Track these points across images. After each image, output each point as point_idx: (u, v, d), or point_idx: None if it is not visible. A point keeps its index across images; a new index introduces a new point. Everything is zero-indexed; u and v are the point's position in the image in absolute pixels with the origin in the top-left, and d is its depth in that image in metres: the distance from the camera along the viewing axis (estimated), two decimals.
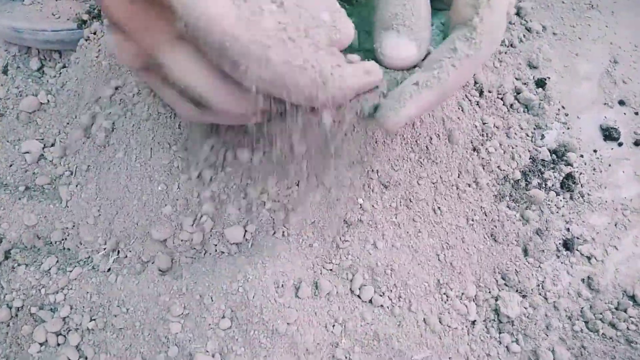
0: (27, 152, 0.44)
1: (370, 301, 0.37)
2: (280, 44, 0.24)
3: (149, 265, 0.37)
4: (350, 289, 0.36)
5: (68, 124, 0.44)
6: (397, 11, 0.29)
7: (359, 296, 0.36)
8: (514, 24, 0.53)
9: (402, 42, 0.29)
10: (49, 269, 0.40)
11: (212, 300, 0.34)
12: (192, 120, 0.30)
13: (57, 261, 0.40)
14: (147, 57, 0.27)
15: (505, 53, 0.50)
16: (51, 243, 0.41)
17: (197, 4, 0.23)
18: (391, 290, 0.37)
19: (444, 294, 0.38)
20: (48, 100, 0.46)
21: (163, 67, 0.27)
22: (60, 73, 0.47)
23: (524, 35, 0.52)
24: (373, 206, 0.38)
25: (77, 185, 0.41)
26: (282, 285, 0.35)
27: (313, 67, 0.25)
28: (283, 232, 0.37)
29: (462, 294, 0.39)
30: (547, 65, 0.51)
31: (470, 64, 0.29)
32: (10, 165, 0.44)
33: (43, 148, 0.44)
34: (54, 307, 0.39)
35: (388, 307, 0.37)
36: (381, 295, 0.37)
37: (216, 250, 0.37)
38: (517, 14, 0.53)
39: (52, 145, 0.44)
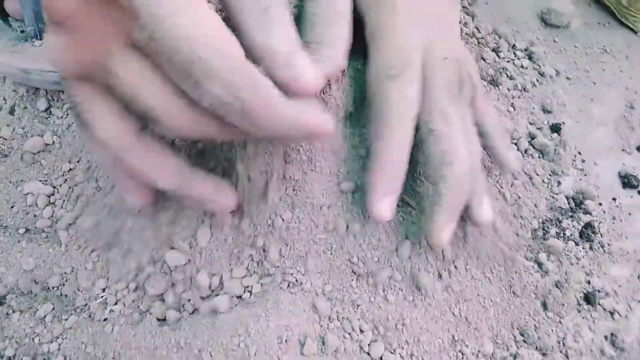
0: (29, 194, 0.43)
1: (381, 358, 0.34)
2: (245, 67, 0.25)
3: (147, 316, 0.36)
4: (360, 345, 0.34)
5: (72, 166, 0.43)
6: (319, 33, 0.32)
7: (368, 353, 0.34)
8: (526, 67, 0.52)
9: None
10: (44, 317, 0.38)
11: (211, 356, 0.32)
12: (107, 145, 0.27)
13: (53, 308, 0.38)
14: (93, 63, 0.25)
15: (519, 97, 0.50)
16: (48, 288, 0.40)
17: (166, 17, 0.23)
18: (403, 347, 0.35)
19: (459, 351, 0.36)
20: (53, 141, 0.45)
21: (112, 75, 0.25)
22: (67, 114, 0.46)
23: (537, 80, 0.52)
24: (384, 256, 0.36)
25: (77, 229, 0.40)
26: (286, 341, 0.33)
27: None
28: (288, 282, 0.35)
29: (479, 351, 0.36)
30: (561, 110, 0.50)
31: None
32: (12, 207, 0.43)
33: (46, 190, 0.43)
34: (47, 357, 0.37)
35: None
36: (392, 352, 0.34)
37: None
38: (530, 58, 0.53)
39: (55, 187, 0.43)
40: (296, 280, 0.35)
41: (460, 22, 0.53)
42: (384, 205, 0.34)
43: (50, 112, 0.48)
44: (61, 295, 0.39)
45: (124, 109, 0.27)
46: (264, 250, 0.36)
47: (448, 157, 0.34)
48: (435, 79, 0.35)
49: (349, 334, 0.34)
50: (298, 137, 0.31)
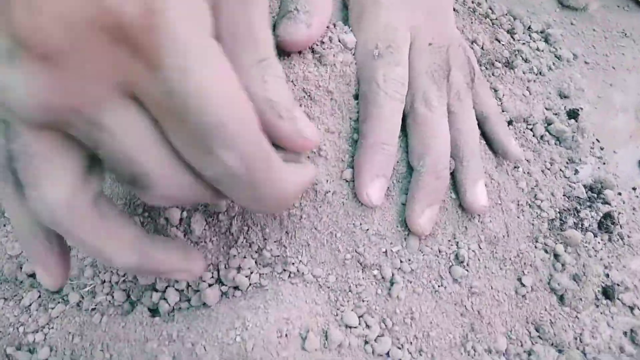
0: None
1: (388, 354, 0.32)
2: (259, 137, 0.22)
3: (138, 305, 0.33)
4: (365, 340, 0.32)
5: None
6: (293, 1, 0.32)
7: (374, 348, 0.32)
8: (542, 50, 0.49)
9: (292, 24, 0.32)
10: (30, 305, 0.36)
11: (205, 350, 0.30)
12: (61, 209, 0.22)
13: (39, 296, 0.36)
14: (76, 111, 0.20)
15: (534, 81, 0.47)
16: (34, 275, 0.37)
17: (194, 72, 0.19)
18: (411, 342, 0.33)
19: (472, 347, 0.34)
20: None
21: (100, 129, 0.20)
22: None
23: (554, 63, 0.49)
24: (392, 248, 0.34)
25: None
26: (286, 335, 0.30)
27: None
28: (289, 272, 0.33)
29: (492, 347, 0.34)
30: (579, 95, 0.47)
31: None
32: None
33: None
34: (32, 347, 0.35)
35: None
36: (399, 348, 0.32)
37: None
38: (546, 40, 0.50)
39: None
40: (297, 271, 0.33)
41: (473, 2, 0.50)
42: (372, 189, 0.33)
43: None
44: None
45: (83, 169, 0.22)
46: (263, 238, 0.33)
47: (426, 141, 0.34)
48: (419, 63, 0.36)
49: (354, 328, 0.32)
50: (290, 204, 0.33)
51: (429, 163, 0.34)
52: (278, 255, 0.33)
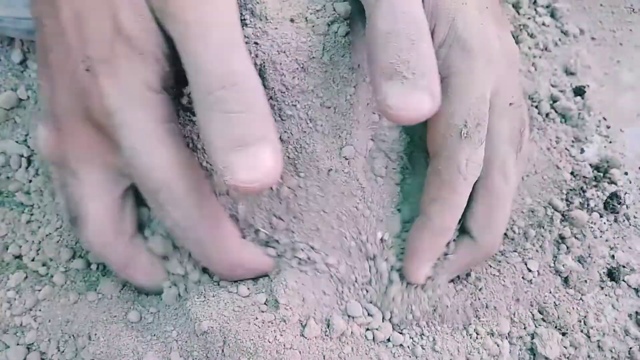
0: (2, 153, 0.39)
1: (389, 339, 0.31)
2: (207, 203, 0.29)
3: (127, 286, 0.32)
4: (367, 327, 0.31)
5: None
6: (400, 56, 0.25)
7: (375, 335, 0.31)
8: (548, 25, 0.48)
9: (411, 91, 0.25)
10: (16, 286, 0.35)
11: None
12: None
13: (26, 277, 0.35)
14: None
15: (540, 57, 0.45)
16: (21, 257, 0.36)
17: (142, 151, 0.26)
18: (412, 328, 0.31)
19: (474, 330, 0.33)
20: (28, 97, 0.41)
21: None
22: None
23: (560, 39, 0.47)
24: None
25: (52, 193, 0.36)
26: (285, 321, 0.29)
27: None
28: (298, 259, 0.31)
29: (495, 331, 0.33)
30: (586, 72, 0.46)
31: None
32: None
33: (20, 149, 0.39)
34: (19, 330, 0.33)
35: (409, 347, 0.31)
36: (400, 333, 0.31)
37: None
38: (552, 15, 0.49)
39: (29, 146, 0.39)
40: (308, 258, 0.31)
41: None
42: (423, 271, 0.32)
43: (26, 65, 0.43)
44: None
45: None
46: (270, 224, 0.32)
47: (494, 214, 0.32)
48: (499, 127, 0.31)
49: (357, 317, 0.31)
50: (238, 275, 0.32)
51: (488, 240, 0.33)
52: (286, 242, 0.32)
